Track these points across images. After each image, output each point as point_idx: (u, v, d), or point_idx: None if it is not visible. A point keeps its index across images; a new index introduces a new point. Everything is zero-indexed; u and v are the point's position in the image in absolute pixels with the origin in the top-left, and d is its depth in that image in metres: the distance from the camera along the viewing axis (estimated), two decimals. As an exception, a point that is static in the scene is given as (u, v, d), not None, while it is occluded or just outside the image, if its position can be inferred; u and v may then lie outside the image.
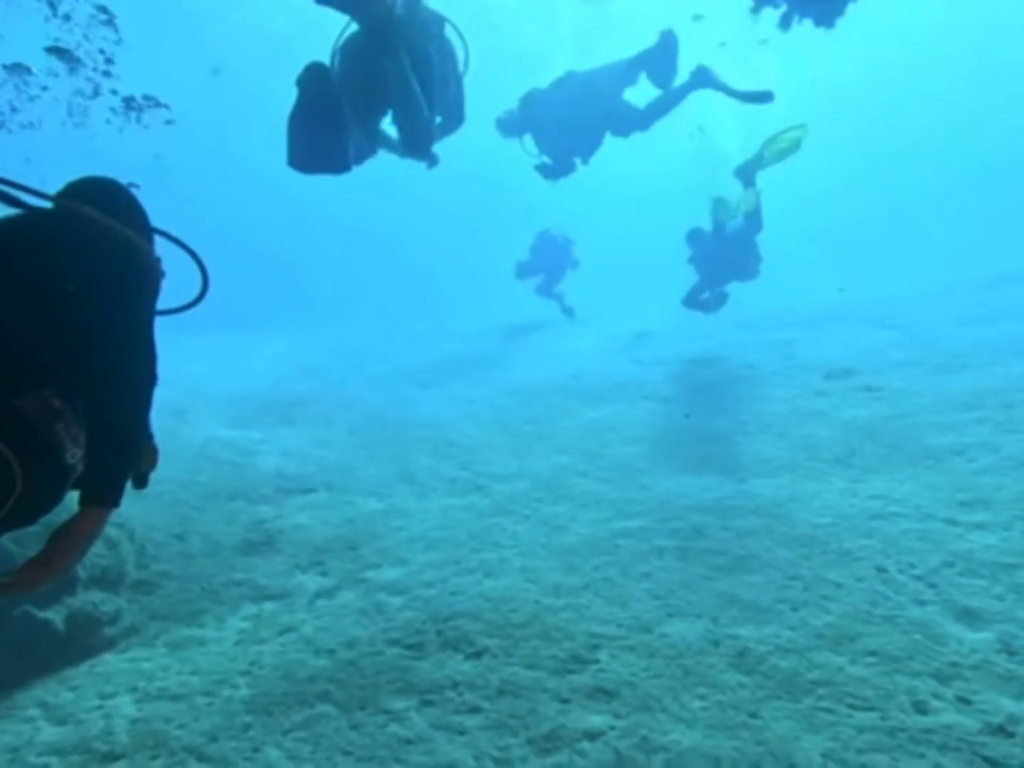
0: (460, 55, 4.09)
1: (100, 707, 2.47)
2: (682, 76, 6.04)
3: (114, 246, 1.49)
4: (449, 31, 3.99)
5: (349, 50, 3.64)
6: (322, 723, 2.26)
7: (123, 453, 1.36)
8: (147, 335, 1.48)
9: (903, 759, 1.85)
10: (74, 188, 1.66)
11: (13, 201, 1.45)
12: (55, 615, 2.83)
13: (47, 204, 1.50)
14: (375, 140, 4.14)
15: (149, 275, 1.56)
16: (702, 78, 5.91)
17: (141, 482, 1.57)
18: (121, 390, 1.36)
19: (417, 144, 4.07)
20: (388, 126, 4.17)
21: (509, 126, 6.35)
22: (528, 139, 6.32)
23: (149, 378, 1.43)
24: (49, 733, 2.34)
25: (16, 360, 1.25)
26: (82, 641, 2.85)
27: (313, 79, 3.33)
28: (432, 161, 4.36)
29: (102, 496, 1.33)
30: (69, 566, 1.31)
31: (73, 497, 1.38)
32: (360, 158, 4.08)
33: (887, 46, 23.88)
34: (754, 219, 7.34)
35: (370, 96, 3.74)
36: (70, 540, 1.29)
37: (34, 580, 1.27)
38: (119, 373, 1.36)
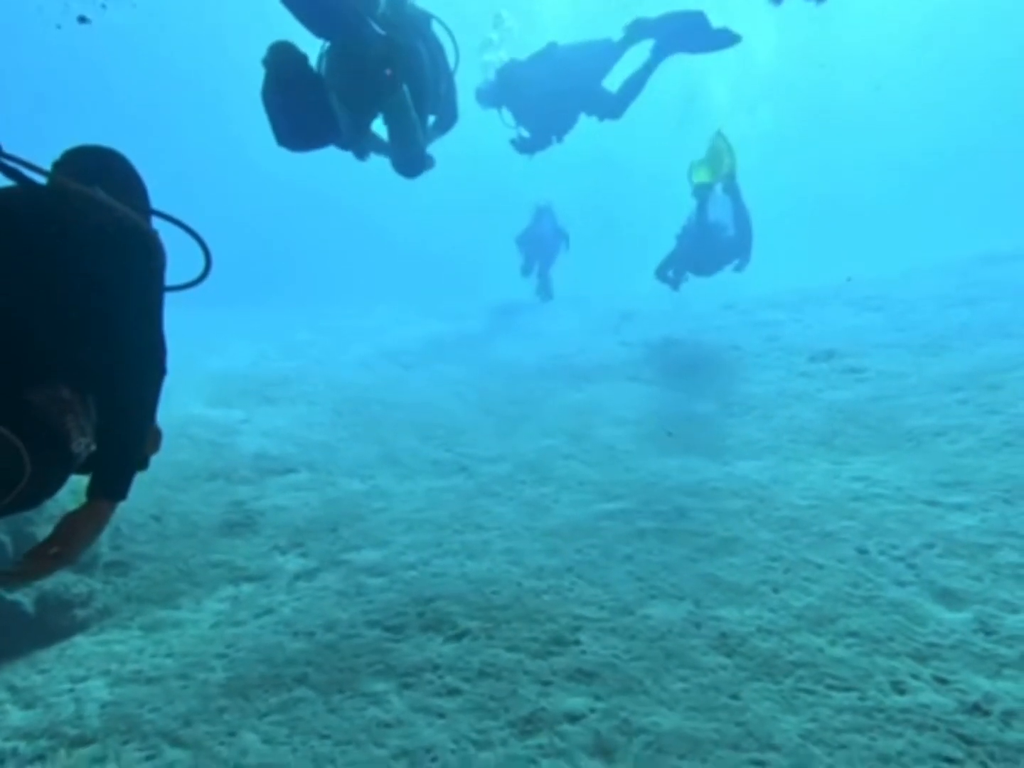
0: (449, 51, 4.01)
1: (71, 690, 2.42)
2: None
3: (123, 233, 1.47)
4: (436, 27, 3.92)
5: (336, 52, 3.57)
6: (300, 706, 2.23)
7: (131, 449, 1.40)
8: (156, 328, 1.49)
9: (880, 738, 1.86)
10: (76, 162, 1.60)
11: (15, 176, 1.42)
12: (24, 597, 2.76)
13: (52, 180, 1.45)
14: (366, 141, 4.09)
15: (156, 263, 1.54)
16: (666, 45, 5.78)
17: (142, 464, 1.58)
18: (130, 388, 1.39)
19: (408, 170, 4.10)
20: (379, 127, 4.12)
21: (487, 96, 6.21)
22: (506, 111, 6.19)
23: (158, 373, 1.46)
24: (17, 717, 2.29)
25: (28, 352, 1.26)
26: (53, 623, 2.79)
27: (280, 54, 3.21)
28: (429, 164, 4.33)
29: (111, 491, 1.38)
30: (77, 555, 1.37)
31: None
32: (349, 145, 4.02)
33: (875, 25, 23.76)
34: (744, 223, 7.31)
35: (359, 97, 3.68)
36: (79, 530, 1.35)
37: (42, 568, 1.33)
38: (128, 370, 1.39)
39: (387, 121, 3.88)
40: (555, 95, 5.94)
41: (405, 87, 3.64)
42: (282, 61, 3.17)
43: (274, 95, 3.19)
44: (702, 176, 7.06)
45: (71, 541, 1.34)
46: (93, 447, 1.40)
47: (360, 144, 4.08)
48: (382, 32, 3.51)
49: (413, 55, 3.63)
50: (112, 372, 1.36)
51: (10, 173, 1.41)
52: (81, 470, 1.40)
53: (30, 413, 1.22)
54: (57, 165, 1.59)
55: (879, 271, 9.21)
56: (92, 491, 1.37)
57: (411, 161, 4.06)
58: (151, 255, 1.52)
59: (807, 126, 26.55)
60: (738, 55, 5.72)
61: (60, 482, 1.35)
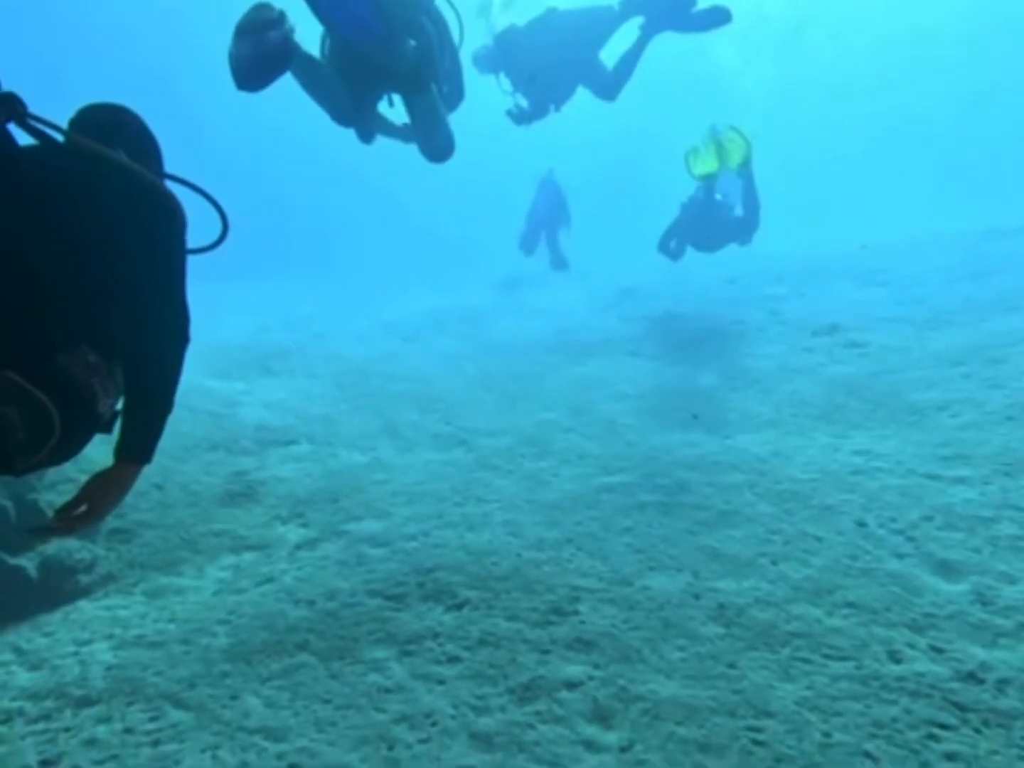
0: (454, 27, 3.93)
1: (75, 653, 2.45)
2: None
3: (145, 197, 1.50)
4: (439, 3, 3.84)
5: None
6: (301, 672, 2.26)
7: (157, 414, 1.45)
8: (179, 293, 1.53)
9: (875, 706, 1.88)
10: (92, 121, 1.60)
11: (40, 137, 1.44)
12: (28, 562, 2.78)
13: (77, 143, 1.47)
14: (370, 122, 4.09)
15: (178, 227, 1.56)
16: (655, 22, 5.66)
17: None
18: (154, 353, 1.44)
19: (436, 156, 4.16)
20: (386, 110, 4.11)
21: (485, 62, 6.07)
22: (504, 77, 6.05)
23: (182, 338, 1.51)
24: (23, 678, 2.32)
25: (56, 317, 1.32)
26: (57, 588, 2.82)
27: (253, 11, 3.15)
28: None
29: (138, 454, 1.44)
30: (103, 514, 1.45)
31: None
32: (350, 123, 4.00)
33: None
34: (753, 206, 7.21)
35: (363, 78, 3.67)
36: (107, 491, 1.42)
37: (73, 526, 1.41)
38: (152, 335, 1.44)
39: (412, 114, 3.91)
40: (553, 63, 5.80)
41: (433, 86, 3.70)
42: (252, 20, 3.12)
43: (244, 40, 3.14)
44: (706, 167, 6.99)
45: (98, 501, 1.40)
46: (117, 408, 1.50)
47: (362, 124, 4.04)
48: (412, 42, 3.54)
49: (420, 31, 3.58)
50: (137, 337, 1.42)
51: (35, 134, 1.43)
52: (104, 430, 1.49)
53: (59, 375, 1.30)
54: (74, 123, 1.60)
55: (883, 238, 9.11)
56: (119, 454, 1.42)
57: (439, 150, 4.10)
58: (173, 219, 1.54)
59: (812, 86, 25.97)
60: (744, 13, 5.57)
61: (85, 441, 1.44)
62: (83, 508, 1.39)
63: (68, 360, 1.31)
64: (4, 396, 1.19)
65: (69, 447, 1.38)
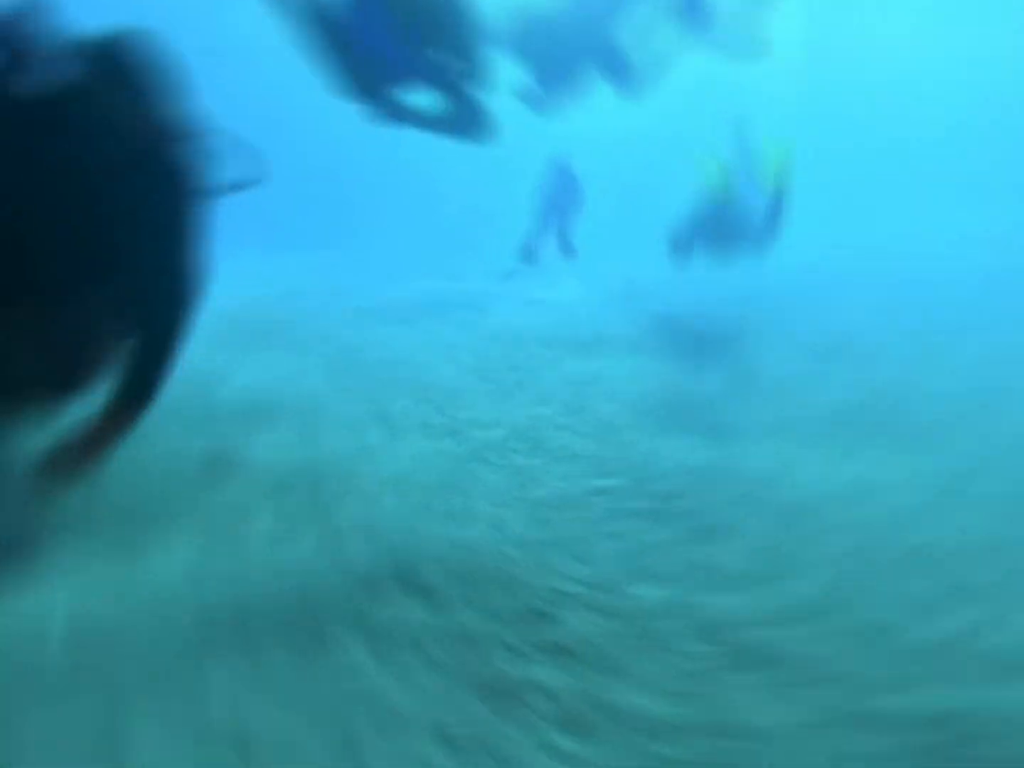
0: None
1: (30, 624, 2.34)
2: None
3: (153, 157, 1.47)
4: None
5: None
6: (267, 657, 2.17)
7: (161, 363, 1.52)
8: (191, 252, 1.54)
9: (863, 735, 1.79)
10: (111, 59, 1.50)
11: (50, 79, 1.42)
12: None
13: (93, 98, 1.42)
14: (394, 107, 4.13)
15: (189, 183, 1.53)
16: None
17: None
18: (158, 306, 1.49)
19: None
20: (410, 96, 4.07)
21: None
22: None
23: (194, 295, 1.58)
24: (-27, 649, 2.22)
25: (65, 271, 1.33)
26: (12, 557, 2.71)
27: None
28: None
29: (137, 400, 1.52)
30: (98, 458, 1.54)
31: None
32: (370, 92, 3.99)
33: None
34: (776, 212, 7.07)
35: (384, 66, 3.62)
36: (103, 434, 1.52)
37: (71, 467, 1.49)
38: (162, 291, 1.48)
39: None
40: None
41: None
42: None
43: None
44: (716, 180, 6.92)
45: (101, 443, 1.49)
46: (120, 359, 1.53)
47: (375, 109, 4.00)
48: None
49: None
50: (145, 291, 1.45)
51: (46, 78, 1.38)
52: (106, 384, 1.55)
53: (65, 331, 1.36)
54: (84, 58, 1.50)
55: (908, 242, 9.01)
56: (119, 399, 1.49)
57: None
58: (184, 174, 1.50)
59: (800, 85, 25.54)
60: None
61: (89, 393, 1.52)
62: (76, 450, 1.46)
63: (74, 314, 1.34)
64: (12, 350, 1.24)
65: (74, 397, 1.45)
